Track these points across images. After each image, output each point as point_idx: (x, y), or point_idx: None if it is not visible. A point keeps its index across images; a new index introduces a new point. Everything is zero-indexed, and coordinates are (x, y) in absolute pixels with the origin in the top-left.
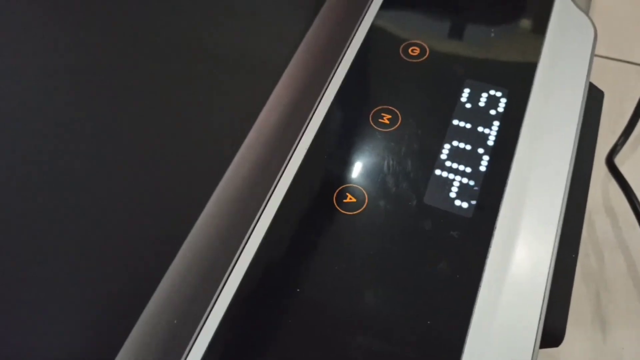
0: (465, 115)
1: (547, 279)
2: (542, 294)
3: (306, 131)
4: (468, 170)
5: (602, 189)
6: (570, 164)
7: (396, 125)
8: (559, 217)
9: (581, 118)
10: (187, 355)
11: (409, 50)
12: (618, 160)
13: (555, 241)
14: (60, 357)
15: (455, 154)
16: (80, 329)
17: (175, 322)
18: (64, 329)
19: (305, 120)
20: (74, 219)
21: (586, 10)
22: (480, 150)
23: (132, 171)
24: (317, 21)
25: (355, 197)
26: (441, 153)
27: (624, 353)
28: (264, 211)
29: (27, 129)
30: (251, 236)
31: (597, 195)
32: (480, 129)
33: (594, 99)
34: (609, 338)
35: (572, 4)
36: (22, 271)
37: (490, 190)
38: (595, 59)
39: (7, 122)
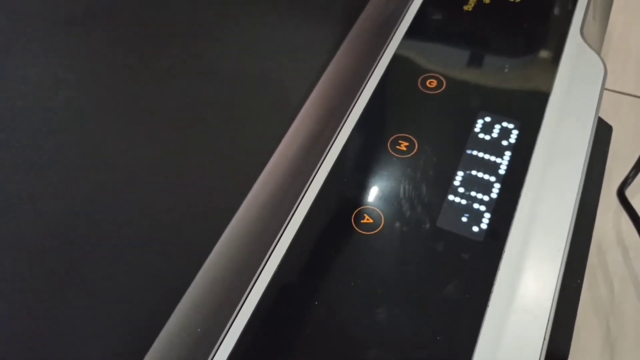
0: (478, 145)
1: (552, 302)
2: (547, 316)
3: (328, 155)
4: (480, 196)
5: (614, 221)
6: (577, 194)
7: (413, 152)
8: (566, 243)
9: (589, 151)
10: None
11: (427, 82)
12: (630, 192)
13: (561, 266)
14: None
15: (468, 181)
16: (111, 336)
17: (199, 330)
18: (97, 334)
19: (327, 145)
20: (111, 239)
21: (598, 49)
22: (492, 179)
23: (159, 194)
24: (340, 52)
25: (372, 218)
26: (454, 180)
27: None
28: (287, 228)
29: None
30: (274, 251)
31: (609, 227)
32: (492, 158)
33: (602, 133)
34: None
35: (583, 42)
36: (64, 283)
37: (500, 216)
38: (610, 93)
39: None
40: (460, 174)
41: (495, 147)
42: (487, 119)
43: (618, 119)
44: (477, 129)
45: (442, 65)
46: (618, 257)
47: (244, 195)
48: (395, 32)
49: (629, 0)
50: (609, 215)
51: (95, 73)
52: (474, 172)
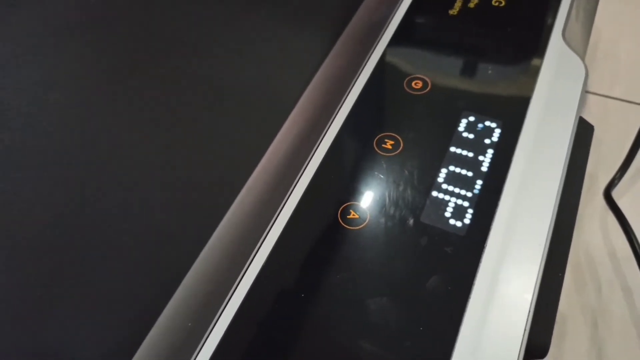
0: (461, 143)
1: (533, 295)
2: (528, 309)
3: (316, 153)
4: (463, 192)
5: (601, 221)
6: (558, 190)
7: (398, 151)
8: (546, 238)
9: (570, 148)
10: (198, 353)
11: (412, 83)
12: (616, 194)
13: (542, 260)
14: (85, 357)
15: (451, 178)
16: (102, 331)
17: (189, 324)
18: (93, 327)
19: (315, 144)
20: (95, 230)
21: (582, 52)
22: (475, 176)
23: (154, 189)
24: (331, 54)
25: (358, 214)
26: (438, 177)
27: None
28: (275, 223)
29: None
30: (262, 245)
31: (596, 228)
32: (475, 156)
33: (584, 131)
34: None
35: (565, 45)
36: (56, 276)
37: (482, 211)
38: (598, 97)
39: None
40: (444, 171)
41: (478, 145)
42: (471, 118)
43: (605, 122)
44: (460, 128)
45: (428, 67)
46: (605, 258)
47: (236, 191)
48: (383, 35)
49: (617, 7)
50: (595, 216)
51: (90, 74)
52: (457, 169)
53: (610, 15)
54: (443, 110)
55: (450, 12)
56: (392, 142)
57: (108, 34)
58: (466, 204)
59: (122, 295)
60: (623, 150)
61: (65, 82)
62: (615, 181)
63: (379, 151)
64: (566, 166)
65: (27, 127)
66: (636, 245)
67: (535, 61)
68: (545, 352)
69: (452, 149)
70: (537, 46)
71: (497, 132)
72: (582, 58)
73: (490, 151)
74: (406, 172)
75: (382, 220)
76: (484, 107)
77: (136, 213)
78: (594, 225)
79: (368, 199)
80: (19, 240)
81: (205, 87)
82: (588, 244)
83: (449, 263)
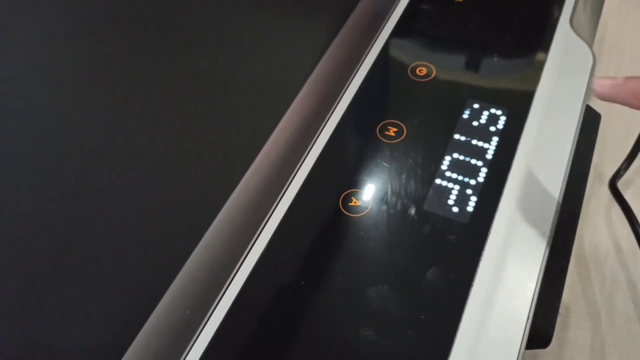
0: (466, 131)
1: (537, 284)
2: (531, 297)
3: (318, 140)
4: (467, 180)
5: (606, 213)
6: (564, 178)
7: (401, 138)
8: (551, 226)
9: (577, 136)
10: (196, 340)
11: (417, 70)
12: (622, 185)
13: (546, 249)
14: (85, 343)
15: (455, 165)
16: (102, 318)
17: (188, 312)
18: (88, 318)
19: (317, 131)
20: (94, 222)
21: (589, 40)
22: (479, 163)
23: (154, 179)
24: (334, 43)
25: (359, 202)
26: (442, 164)
27: None
28: (276, 210)
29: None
30: (262, 232)
31: (601, 219)
32: (480, 143)
33: (591, 119)
34: (608, 358)
35: (572, 32)
36: (45, 269)
37: (486, 199)
38: None
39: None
40: (448, 158)
41: (483, 133)
42: (476, 105)
43: (610, 113)
44: (465, 115)
45: (432, 54)
46: (610, 250)
47: (237, 179)
48: (387, 22)
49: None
50: (600, 207)
51: (83, 68)
52: (461, 157)
53: (616, 7)
54: (447, 97)
55: None
56: (395, 130)
57: (99, 21)
58: (470, 191)
59: (120, 284)
60: (629, 142)
61: (50, 72)
62: (621, 172)
63: (382, 138)
64: (572, 154)
65: (10, 117)
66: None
67: (542, 48)
68: (548, 341)
69: (457, 136)
70: (544, 33)
71: (503, 119)
72: (590, 46)
73: (495, 139)
74: (409, 159)
75: (384, 207)
76: (489, 94)
77: (135, 204)
78: (598, 216)
79: (370, 187)
80: (8, 234)
81: (206, 77)
82: (592, 235)
83: (451, 251)
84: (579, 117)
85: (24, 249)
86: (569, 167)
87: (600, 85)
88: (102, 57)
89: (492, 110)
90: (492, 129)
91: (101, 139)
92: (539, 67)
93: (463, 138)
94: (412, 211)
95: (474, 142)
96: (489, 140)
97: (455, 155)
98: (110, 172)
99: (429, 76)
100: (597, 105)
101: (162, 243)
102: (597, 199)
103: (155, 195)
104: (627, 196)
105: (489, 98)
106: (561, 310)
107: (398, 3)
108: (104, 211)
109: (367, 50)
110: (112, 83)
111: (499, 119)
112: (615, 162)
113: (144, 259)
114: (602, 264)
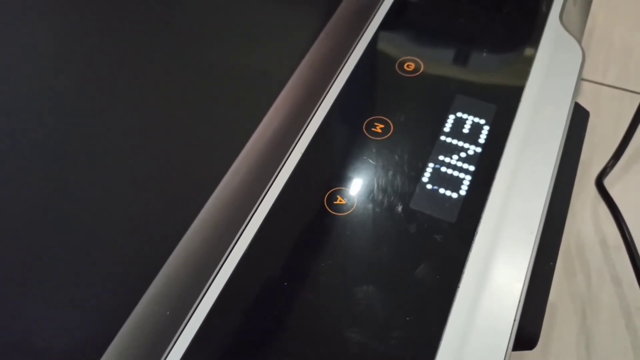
0: (454, 127)
1: (524, 284)
2: (518, 297)
3: (303, 136)
4: (454, 178)
5: (592, 210)
6: (552, 177)
7: (388, 135)
8: (538, 226)
9: (565, 134)
10: (177, 340)
11: (405, 65)
12: (608, 182)
13: (533, 249)
14: (63, 341)
15: (442, 163)
16: (81, 316)
17: (168, 312)
18: (67, 316)
19: (302, 127)
20: (74, 218)
21: (579, 36)
22: (467, 161)
23: (134, 174)
24: (320, 37)
25: (345, 200)
26: (429, 162)
27: None
28: (259, 208)
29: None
30: (245, 231)
31: (587, 216)
32: (467, 140)
33: (579, 117)
34: (593, 356)
35: (562, 28)
36: (24, 266)
37: (473, 198)
38: (591, 84)
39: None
40: (435, 156)
41: (471, 130)
42: (464, 101)
43: (598, 110)
44: (453, 112)
45: (421, 49)
46: (595, 247)
47: (220, 176)
48: (375, 16)
49: None
50: (587, 204)
51: (70, 58)
52: (449, 154)
53: (605, 1)
54: (435, 93)
55: None
56: (382, 126)
57: (86, 11)
58: (457, 189)
59: (98, 282)
60: (616, 138)
61: (39, 64)
62: (608, 169)
63: (368, 135)
64: (560, 152)
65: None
66: (627, 234)
67: (531, 44)
68: (534, 342)
69: (444, 133)
70: (533, 28)
71: (491, 116)
72: (579, 42)
73: (483, 136)
74: (396, 157)
75: (370, 206)
76: (477, 90)
77: (114, 200)
78: (585, 213)
79: (356, 185)
80: None
81: (187, 69)
82: (579, 232)
83: (438, 251)
84: (568, 115)
85: None
86: (557, 165)
87: None
88: (75, 42)
89: (481, 107)
90: (481, 125)
91: (74, 133)
92: (528, 62)
93: (451, 135)
94: (399, 210)
95: (462, 139)
96: (477, 137)
97: (443, 153)
98: (85, 167)
99: (417, 71)
100: (583, 104)
101: (143, 240)
102: (584, 196)
103: (135, 191)
104: (613, 193)
105: (478, 94)
106: (547, 308)
107: None
108: (82, 208)
109: (354, 44)
110: (89, 72)
111: (487, 116)
112: (602, 159)
113: (123, 257)
114: (588, 261)
